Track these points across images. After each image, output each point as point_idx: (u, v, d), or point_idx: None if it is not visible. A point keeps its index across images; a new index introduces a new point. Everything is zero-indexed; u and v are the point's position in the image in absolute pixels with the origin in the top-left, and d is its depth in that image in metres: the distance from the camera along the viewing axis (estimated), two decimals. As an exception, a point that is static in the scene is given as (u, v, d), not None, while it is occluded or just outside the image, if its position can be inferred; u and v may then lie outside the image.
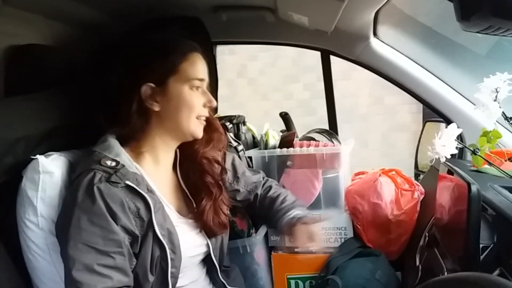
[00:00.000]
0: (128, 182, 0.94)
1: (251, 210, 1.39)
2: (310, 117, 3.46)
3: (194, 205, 1.13)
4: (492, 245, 0.83)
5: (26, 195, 0.98)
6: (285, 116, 1.72)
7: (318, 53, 1.87)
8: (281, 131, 1.70)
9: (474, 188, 0.79)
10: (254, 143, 1.65)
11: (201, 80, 1.06)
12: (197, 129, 1.07)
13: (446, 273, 0.89)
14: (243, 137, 1.57)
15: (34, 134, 1.05)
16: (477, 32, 0.84)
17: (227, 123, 1.50)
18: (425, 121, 1.82)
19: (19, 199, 0.99)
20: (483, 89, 1.17)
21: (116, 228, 0.91)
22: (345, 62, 1.78)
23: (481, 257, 0.81)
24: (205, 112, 1.08)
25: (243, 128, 1.60)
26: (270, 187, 1.36)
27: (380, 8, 1.41)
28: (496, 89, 1.14)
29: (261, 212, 1.35)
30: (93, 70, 1.25)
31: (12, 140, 0.99)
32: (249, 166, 1.49)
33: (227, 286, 1.18)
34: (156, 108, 1.03)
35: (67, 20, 1.34)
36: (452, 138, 1.16)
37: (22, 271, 1.01)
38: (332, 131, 1.67)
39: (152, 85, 1.02)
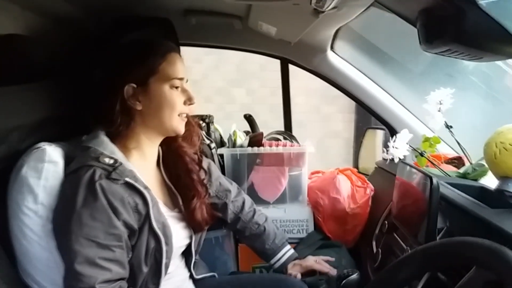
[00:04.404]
0: (127, 179, 0.99)
1: (224, 221, 1.41)
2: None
3: (181, 202, 1.19)
4: (445, 228, 1.02)
5: (27, 183, 0.98)
6: (249, 118, 1.83)
7: (261, 61, 1.97)
8: (245, 132, 1.80)
9: (435, 181, 0.97)
10: (221, 142, 1.74)
11: (181, 79, 1.10)
12: (179, 126, 1.11)
13: (409, 251, 1.05)
14: (213, 136, 1.65)
15: (21, 125, 1.04)
16: (436, 54, 1.02)
17: (200, 122, 1.57)
18: (365, 129, 2.03)
19: (16, 186, 0.99)
20: (430, 101, 1.38)
21: (117, 223, 0.95)
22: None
23: (438, 237, 0.99)
24: (186, 110, 1.12)
25: (212, 127, 1.67)
26: (254, 211, 1.41)
27: (342, 25, 1.58)
28: (440, 102, 1.36)
29: (242, 235, 1.42)
30: (75, 65, 1.26)
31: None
32: (220, 163, 1.57)
33: (195, 276, 1.26)
34: (139, 107, 1.07)
35: (43, 13, 1.32)
36: (404, 142, 1.36)
37: (9, 258, 1.00)
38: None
39: (134, 85, 1.06)
